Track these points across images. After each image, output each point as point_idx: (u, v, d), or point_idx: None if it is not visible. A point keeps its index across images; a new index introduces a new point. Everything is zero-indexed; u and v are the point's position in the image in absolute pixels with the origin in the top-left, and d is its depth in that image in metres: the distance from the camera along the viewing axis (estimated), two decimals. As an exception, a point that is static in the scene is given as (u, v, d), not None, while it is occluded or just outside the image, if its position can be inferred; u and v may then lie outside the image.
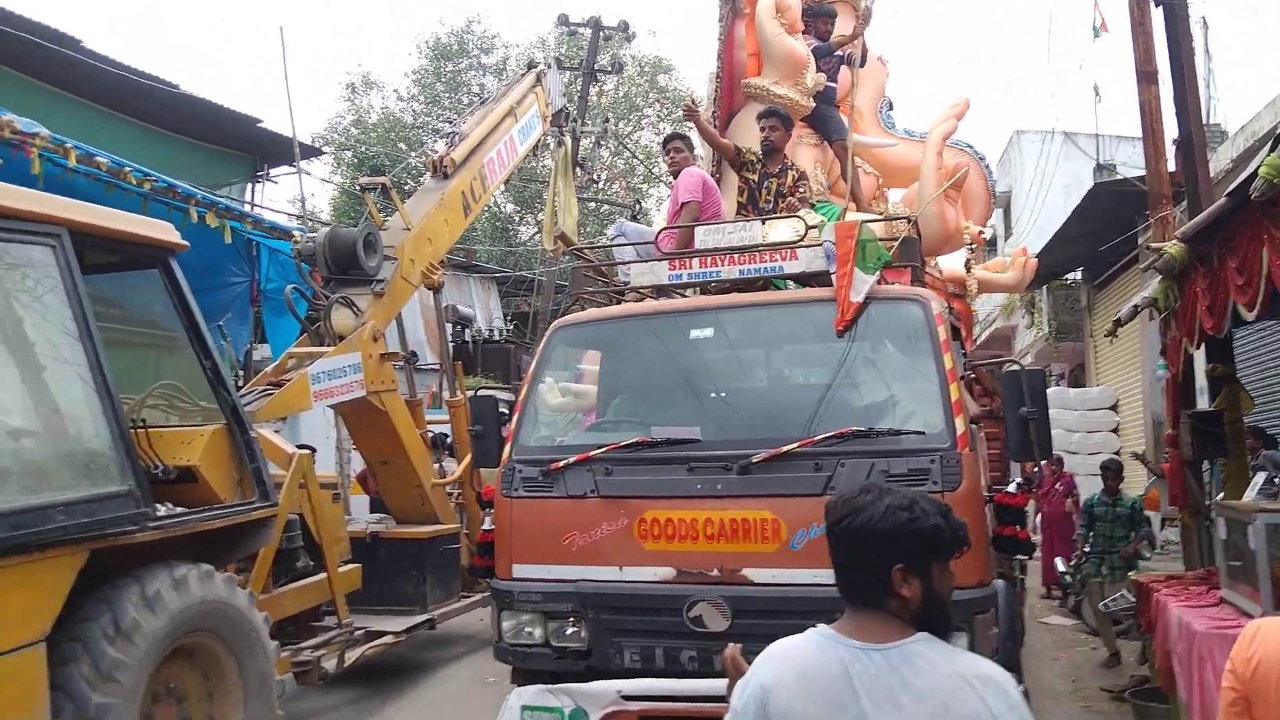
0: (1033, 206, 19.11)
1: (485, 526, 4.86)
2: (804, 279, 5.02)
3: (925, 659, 1.84)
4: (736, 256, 5.07)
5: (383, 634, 7.18)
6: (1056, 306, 17.49)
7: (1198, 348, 6.17)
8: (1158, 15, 8.35)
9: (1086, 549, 8.81)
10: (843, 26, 8.09)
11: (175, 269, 5.42)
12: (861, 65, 7.62)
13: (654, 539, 4.25)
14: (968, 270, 8.28)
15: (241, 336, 10.75)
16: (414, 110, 29.14)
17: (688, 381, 4.95)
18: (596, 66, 21.37)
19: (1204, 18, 10.89)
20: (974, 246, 8.16)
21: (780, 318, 4.95)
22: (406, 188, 17.94)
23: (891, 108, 8.84)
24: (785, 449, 4.09)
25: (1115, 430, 15.56)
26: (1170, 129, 8.68)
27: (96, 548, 4.29)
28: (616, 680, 4.10)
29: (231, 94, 49.07)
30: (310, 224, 13.30)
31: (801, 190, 6.44)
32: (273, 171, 14.07)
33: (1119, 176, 13.87)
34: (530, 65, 11.42)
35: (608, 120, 24.07)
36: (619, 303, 5.64)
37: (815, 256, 4.82)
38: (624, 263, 6.12)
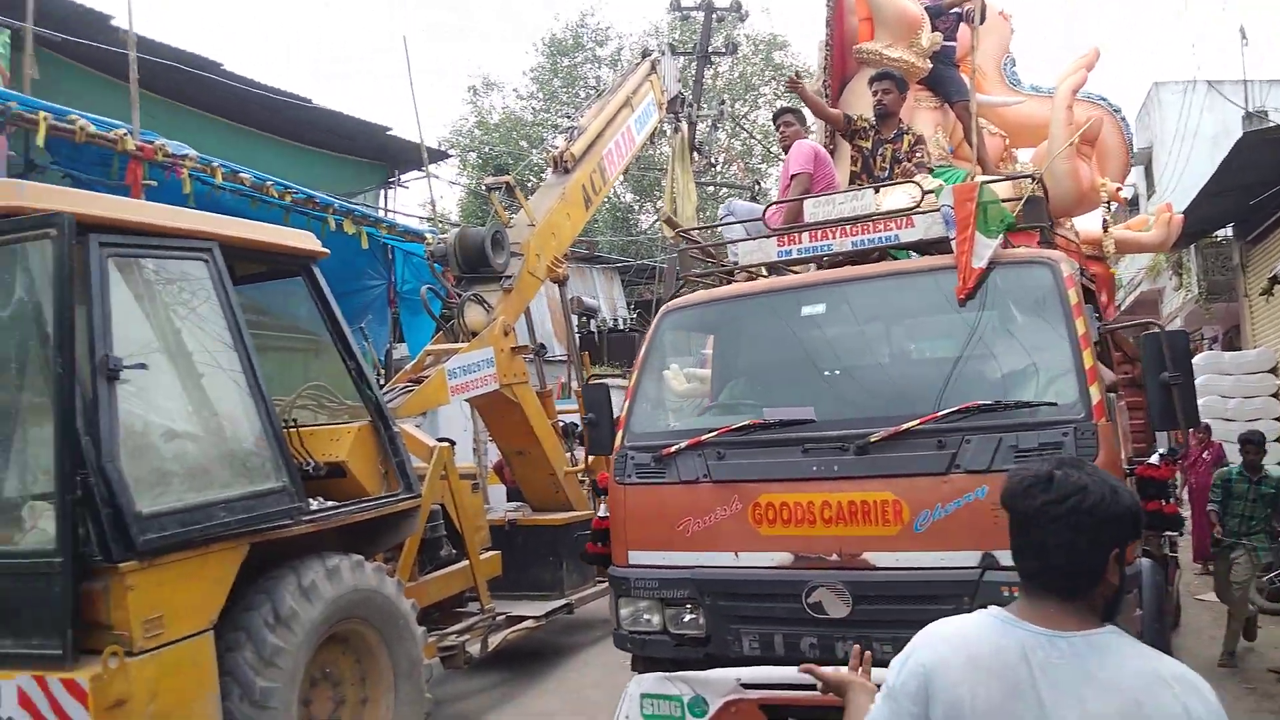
0: (1176, 162, 18.04)
1: (600, 514, 4.86)
2: (922, 247, 4.76)
3: (1117, 652, 1.74)
4: (849, 228, 4.82)
5: (523, 619, 7.39)
6: (1206, 266, 16.39)
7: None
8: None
9: (1219, 532, 7.85)
10: None
11: (318, 275, 5.71)
12: (981, 21, 7.18)
13: (769, 523, 4.14)
14: (1105, 230, 7.65)
15: (381, 337, 11.22)
16: (533, 108, 29.64)
17: (801, 360, 4.80)
18: (711, 49, 21.25)
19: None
20: (1111, 205, 7.53)
21: (897, 289, 4.70)
22: (529, 185, 18.30)
23: (1015, 64, 8.34)
24: (905, 426, 3.89)
25: (1276, 395, 14.58)
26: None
27: (256, 541, 4.58)
28: (736, 668, 4.04)
29: (361, 105, 51.07)
30: (440, 226, 13.74)
31: (920, 154, 6.16)
32: (403, 177, 14.60)
33: (1271, 124, 12.94)
34: (644, 54, 11.48)
35: (724, 102, 23.93)
36: (730, 284, 5.49)
37: (933, 222, 4.55)
38: (730, 241, 5.86)
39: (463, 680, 7.53)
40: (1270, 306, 13.64)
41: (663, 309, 5.20)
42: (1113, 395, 4.05)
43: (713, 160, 23.40)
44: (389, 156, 14.10)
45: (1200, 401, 14.43)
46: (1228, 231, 16.40)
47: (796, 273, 5.28)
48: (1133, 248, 9.27)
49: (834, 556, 3.98)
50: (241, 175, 8.30)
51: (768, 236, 5.17)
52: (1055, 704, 1.68)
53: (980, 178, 6.19)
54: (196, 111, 10.88)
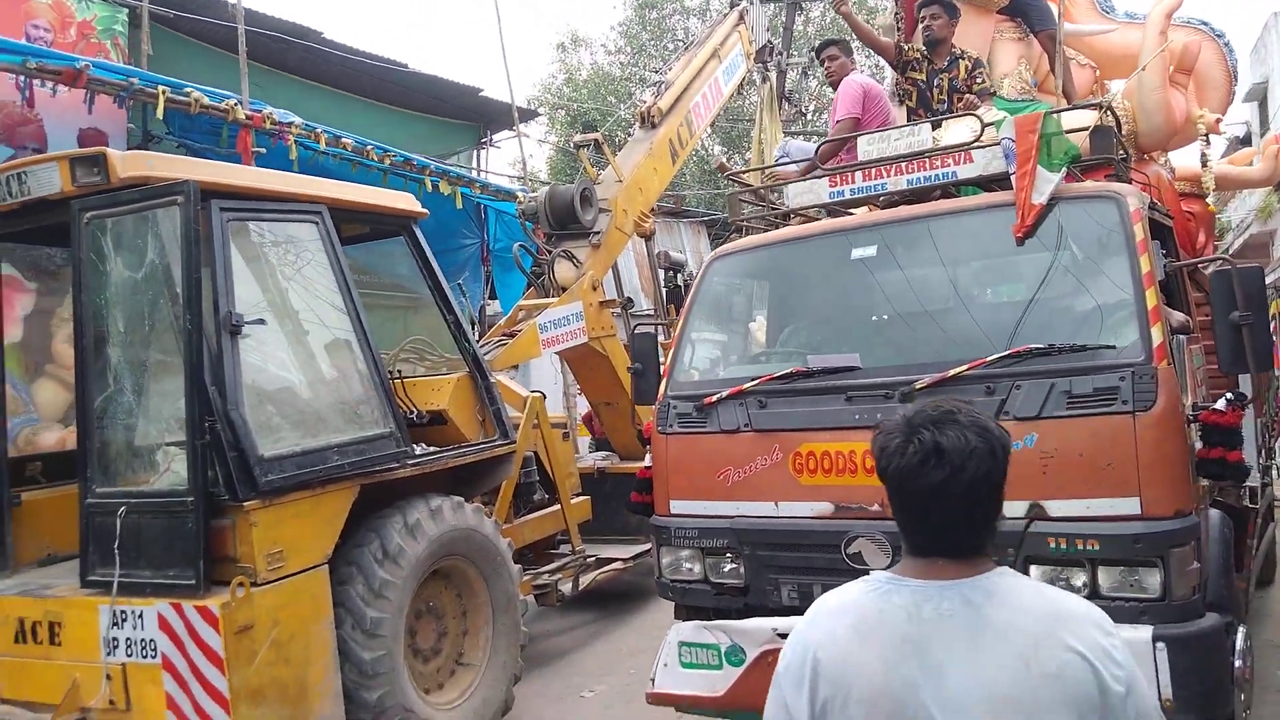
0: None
1: (645, 464, 4.76)
2: (984, 183, 4.52)
3: (1010, 592, 1.65)
4: (904, 165, 4.59)
5: (612, 560, 7.69)
6: (1322, 206, 15.69)
7: None
8: None
9: None
10: None
11: (419, 235, 6.01)
12: None
13: (810, 473, 4.04)
14: (1203, 165, 7.22)
15: (476, 293, 11.61)
16: (621, 63, 29.65)
17: (851, 305, 4.68)
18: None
19: None
20: (1210, 138, 7.09)
21: (953, 228, 4.41)
22: (619, 140, 18.44)
23: None
24: (952, 373, 3.74)
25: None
26: None
27: (365, 483, 4.93)
28: (773, 618, 3.98)
29: (453, 66, 51.67)
30: (531, 184, 14.04)
31: (981, 80, 5.82)
32: (495, 137, 14.90)
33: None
34: (732, 4, 11.45)
35: (814, 49, 23.54)
36: (784, 228, 5.28)
37: (993, 157, 4.30)
38: (779, 183, 5.61)
39: (556, 617, 7.93)
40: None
41: (710, 255, 5.08)
42: (1182, 337, 3.90)
43: (802, 109, 23.10)
44: (482, 117, 14.40)
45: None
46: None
47: (853, 214, 5.05)
48: (1237, 184, 8.93)
49: (875, 507, 3.83)
50: (344, 140, 8.68)
51: (819, 176, 4.96)
52: (947, 660, 1.58)
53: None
54: (299, 79, 11.31)
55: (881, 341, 4.49)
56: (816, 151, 5.48)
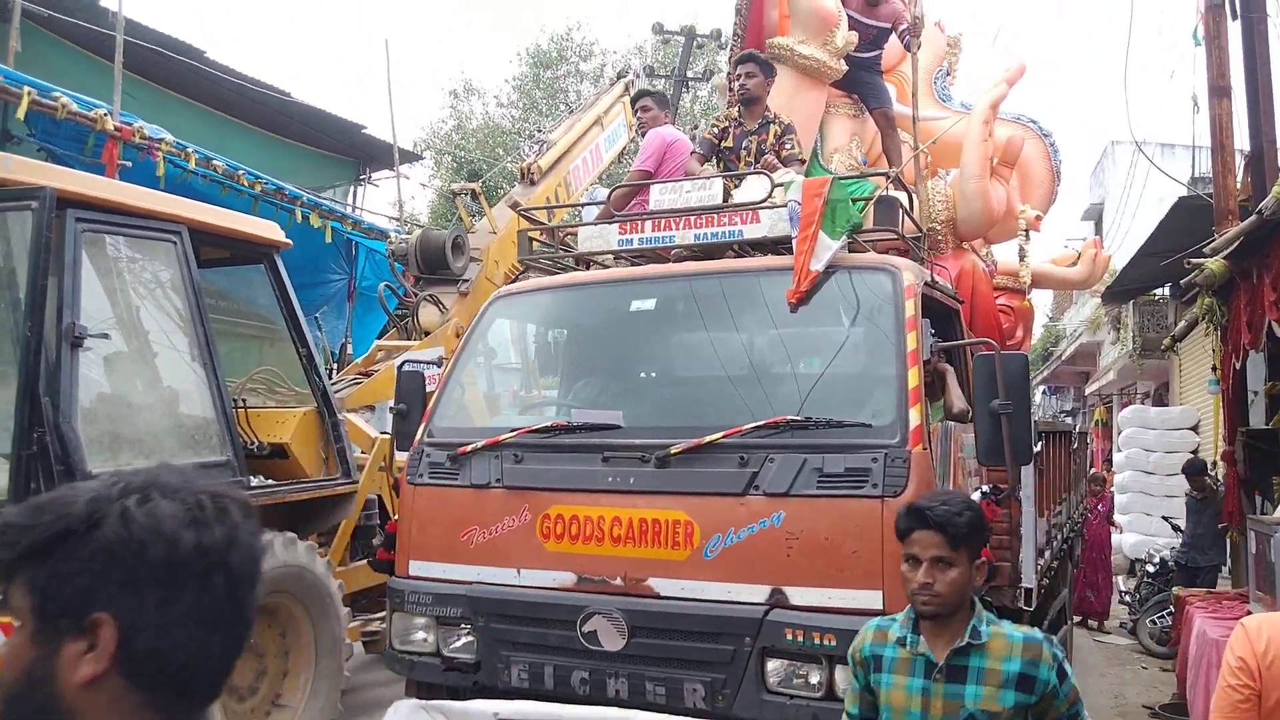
0: (1123, 219, 18.79)
1: (397, 517, 4.41)
2: (769, 245, 4.36)
3: None
4: (693, 219, 4.43)
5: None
6: (1142, 322, 17.15)
7: (1242, 364, 6.26)
8: (1234, 31, 8.37)
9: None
10: None
11: (279, 264, 5.99)
12: (917, 49, 6.58)
13: (556, 538, 3.73)
14: (1021, 259, 7.35)
15: (338, 330, 11.49)
16: (512, 116, 29.97)
17: (625, 359, 4.51)
18: (690, 74, 21.77)
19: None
20: (1029, 233, 7.20)
21: (730, 288, 4.26)
22: (501, 191, 18.62)
23: (949, 78, 8.01)
24: (707, 439, 3.53)
25: (1195, 451, 15.24)
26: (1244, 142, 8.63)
27: (197, 509, 4.85)
28: (498, 700, 3.56)
29: (339, 102, 51.25)
30: (408, 226, 14.03)
31: (791, 146, 5.59)
32: (374, 175, 14.90)
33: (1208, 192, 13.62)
34: (619, 75, 11.85)
35: (696, 126, 24.39)
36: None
37: (779, 219, 4.19)
38: (571, 226, 5.31)
39: (382, 667, 7.77)
40: (1198, 366, 14.27)
41: (493, 295, 4.81)
42: (951, 424, 3.79)
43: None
44: (362, 154, 14.40)
45: (1123, 455, 14.84)
46: (1165, 291, 17.10)
47: (637, 264, 4.85)
48: (1056, 283, 8.99)
49: (618, 580, 3.61)
50: (215, 162, 8.58)
51: (610, 221, 4.77)
52: None
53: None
54: (178, 96, 11.13)
55: (650, 400, 4.34)
56: (609, 197, 5.30)
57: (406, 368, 4.72)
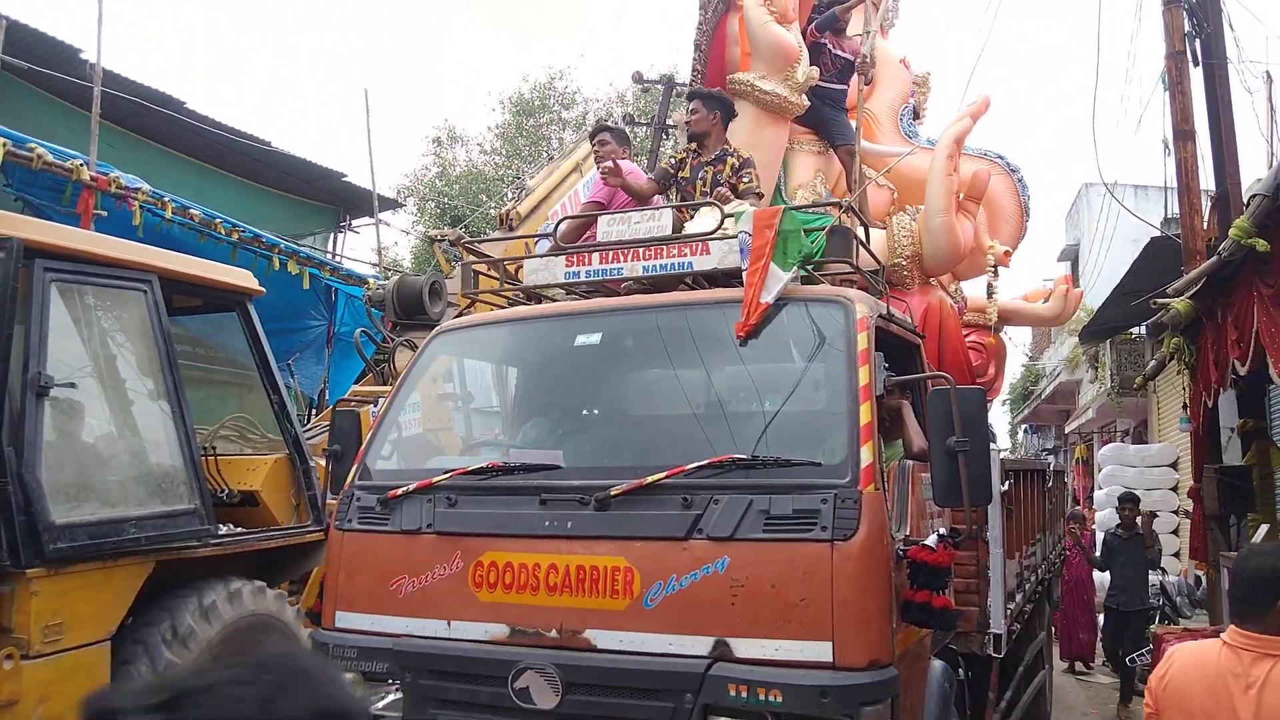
0: (1099, 260, 19.02)
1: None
2: (718, 277, 4.21)
3: None
4: (641, 251, 4.27)
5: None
6: (1120, 361, 17.33)
7: (1214, 402, 6.32)
8: (1196, 75, 8.56)
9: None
10: (859, 26, 7.30)
11: (251, 312, 6.01)
12: (868, 82, 6.78)
13: (489, 588, 3.49)
14: (989, 295, 7.28)
15: (316, 376, 11.48)
16: (495, 163, 30.23)
17: (568, 396, 4.36)
18: (668, 122, 22.03)
19: (1268, 72, 10.80)
20: (997, 269, 7.13)
21: (678, 322, 4.11)
22: (482, 238, 18.73)
23: (917, 117, 8.01)
24: (649, 480, 3.33)
25: (1174, 488, 15.30)
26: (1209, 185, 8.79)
27: (162, 559, 4.80)
28: None
29: (322, 149, 51.59)
30: (388, 272, 14.10)
31: (748, 180, 5.46)
32: (355, 222, 14.99)
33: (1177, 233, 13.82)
34: (598, 124, 12.02)
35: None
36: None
37: (729, 250, 4.04)
38: (515, 260, 5.03)
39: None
40: (1174, 403, 14.38)
41: (435, 330, 4.64)
42: (910, 463, 3.68)
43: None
44: (343, 201, 14.50)
45: (1103, 492, 14.82)
46: (1142, 330, 17.28)
47: (587, 296, 4.70)
48: (1027, 319, 8.96)
49: (553, 633, 3.37)
50: (191, 211, 8.63)
51: (557, 254, 4.58)
52: None
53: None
54: (158, 146, 11.21)
55: (593, 439, 4.17)
56: (555, 229, 5.16)
57: (338, 408, 4.45)
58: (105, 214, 7.68)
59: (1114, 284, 15.96)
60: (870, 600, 3.10)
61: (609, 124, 5.99)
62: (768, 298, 3.71)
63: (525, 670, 3.30)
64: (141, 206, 7.98)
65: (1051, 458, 22.93)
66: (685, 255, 4.20)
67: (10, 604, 4.17)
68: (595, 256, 4.38)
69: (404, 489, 3.77)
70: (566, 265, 4.44)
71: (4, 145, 6.96)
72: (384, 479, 3.98)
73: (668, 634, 3.20)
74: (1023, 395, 29.86)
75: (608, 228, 4.51)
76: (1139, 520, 9.16)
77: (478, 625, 3.51)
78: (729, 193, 5.28)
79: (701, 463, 3.34)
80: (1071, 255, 22.51)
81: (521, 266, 4.80)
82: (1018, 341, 22.99)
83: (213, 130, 11.38)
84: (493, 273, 5.02)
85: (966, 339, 7.03)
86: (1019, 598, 5.43)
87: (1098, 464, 17.05)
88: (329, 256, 13.30)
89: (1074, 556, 10.14)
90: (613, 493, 3.35)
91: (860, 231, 4.52)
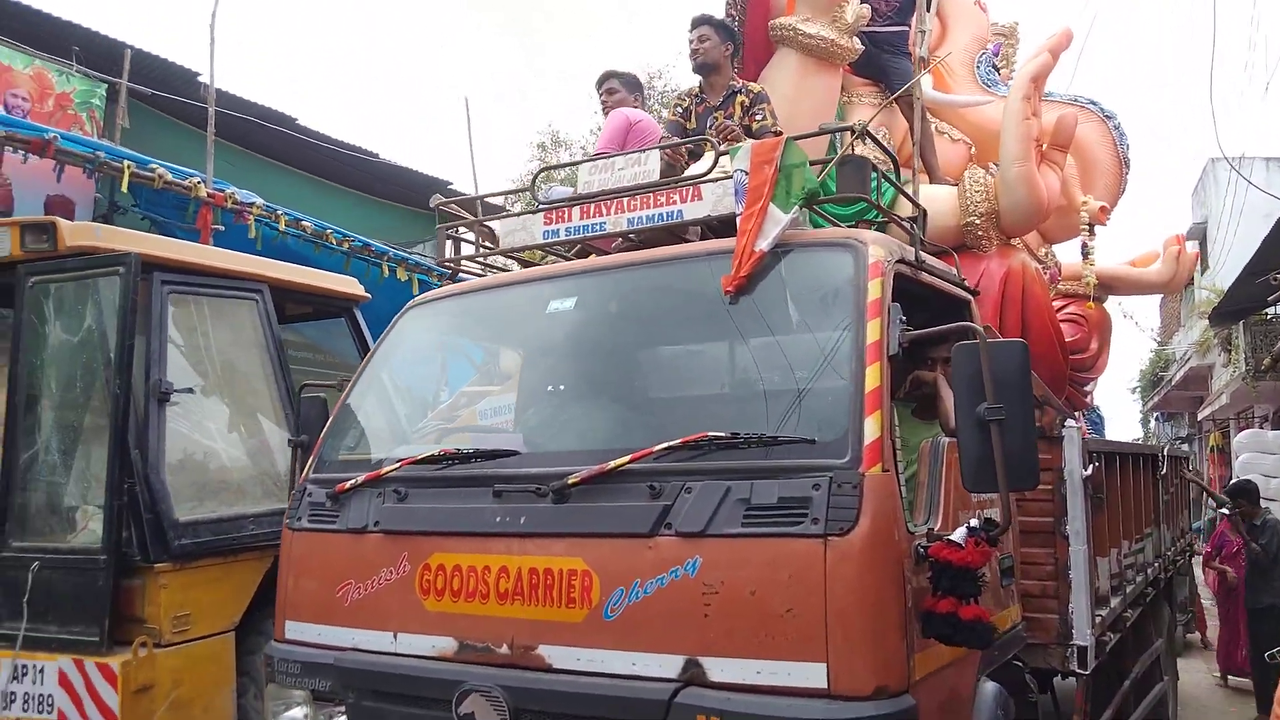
0: (1228, 238, 18.01)
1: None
2: (713, 225, 3.58)
3: None
4: (626, 201, 3.61)
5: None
6: (1255, 343, 16.29)
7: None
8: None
9: None
10: None
11: (358, 317, 6.24)
12: (929, 6, 5.91)
13: (437, 595, 3.02)
14: (1084, 257, 6.36)
15: (427, 378, 11.78)
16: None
17: (537, 372, 3.88)
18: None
19: None
20: (1094, 227, 6.25)
21: (661, 281, 3.53)
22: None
23: (1001, 66, 7.11)
24: (610, 465, 2.79)
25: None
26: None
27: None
28: None
29: (426, 159, 53.20)
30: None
31: (762, 118, 4.79)
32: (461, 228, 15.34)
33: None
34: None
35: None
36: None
37: (724, 193, 3.38)
38: (486, 220, 4.32)
39: None
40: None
41: (407, 305, 4.16)
42: (945, 440, 3.05)
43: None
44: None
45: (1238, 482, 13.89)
46: (1278, 309, 16.27)
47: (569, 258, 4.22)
48: (1133, 286, 7.97)
49: (504, 648, 2.88)
50: (303, 223, 8.97)
51: (533, 212, 3.94)
52: None
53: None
54: (272, 161, 11.72)
55: (559, 420, 3.65)
56: (536, 177, 4.43)
57: (305, 394, 3.96)
58: (223, 229, 8.05)
59: (1245, 262, 15.11)
60: (875, 610, 2.49)
61: (617, 71, 5.54)
62: (763, 244, 3.09)
63: (470, 693, 2.83)
64: (256, 220, 8.33)
65: (1186, 446, 21.87)
66: (675, 203, 3.52)
67: (142, 596, 4.45)
68: (575, 212, 3.74)
69: (352, 482, 3.32)
70: (545, 223, 3.80)
71: (129, 167, 7.37)
72: (339, 471, 3.50)
73: (630, 651, 2.68)
74: (1152, 382, 28.51)
75: (589, 177, 3.80)
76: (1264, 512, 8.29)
77: (425, 639, 3.04)
78: (739, 130, 4.61)
79: (672, 443, 2.77)
80: (1199, 234, 21.39)
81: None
82: (1143, 321, 21.90)
83: (322, 144, 11.83)
84: (487, 244, 4.37)
85: (1063, 310, 6.43)
86: (1115, 602, 4.68)
87: (1234, 451, 16.13)
88: (437, 263, 13.66)
89: (1233, 551, 8.51)
90: (570, 481, 2.83)
91: (892, 173, 3.83)
